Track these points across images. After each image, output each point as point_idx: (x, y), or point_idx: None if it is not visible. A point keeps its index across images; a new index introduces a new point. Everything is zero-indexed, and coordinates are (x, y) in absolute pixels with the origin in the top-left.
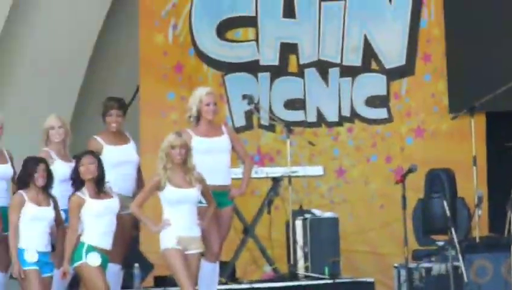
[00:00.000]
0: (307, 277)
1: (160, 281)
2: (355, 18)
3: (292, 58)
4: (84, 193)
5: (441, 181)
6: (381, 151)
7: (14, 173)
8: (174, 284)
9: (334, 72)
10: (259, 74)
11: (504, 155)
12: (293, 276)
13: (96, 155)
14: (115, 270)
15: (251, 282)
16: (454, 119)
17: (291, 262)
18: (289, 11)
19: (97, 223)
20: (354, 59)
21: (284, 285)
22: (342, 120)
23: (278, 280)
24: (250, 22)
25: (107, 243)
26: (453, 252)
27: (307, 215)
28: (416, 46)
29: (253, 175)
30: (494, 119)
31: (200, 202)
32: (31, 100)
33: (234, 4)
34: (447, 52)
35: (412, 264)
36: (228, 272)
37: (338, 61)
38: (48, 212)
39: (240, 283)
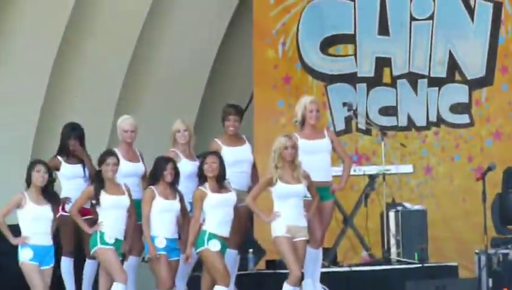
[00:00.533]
0: (399, 261)
1: (271, 264)
2: (442, 35)
3: (386, 70)
4: (206, 188)
5: None
6: (464, 152)
7: (145, 170)
8: (284, 267)
9: (422, 83)
10: (357, 85)
11: None
12: (387, 260)
13: (218, 155)
14: (232, 255)
15: (350, 265)
16: None
17: (385, 248)
18: (383, 29)
19: (217, 214)
20: (440, 71)
21: (379, 268)
22: (429, 125)
23: (373, 264)
24: (350, 39)
25: (225, 231)
26: None
27: (399, 208)
28: (495, 60)
29: (352, 173)
30: None
31: (305, 196)
32: (163, 103)
33: (335, 24)
34: None
35: (491, 251)
36: (330, 257)
37: (426, 73)
38: (175, 204)
39: (341, 266)
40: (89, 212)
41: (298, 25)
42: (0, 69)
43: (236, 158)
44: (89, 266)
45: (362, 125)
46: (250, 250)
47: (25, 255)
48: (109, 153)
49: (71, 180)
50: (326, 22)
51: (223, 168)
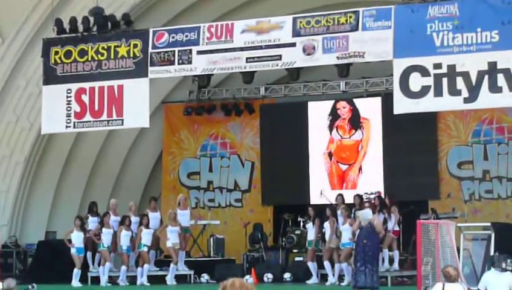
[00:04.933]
0: (214, 257)
1: (165, 257)
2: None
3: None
4: (143, 227)
5: (261, 228)
6: (241, 216)
7: (120, 220)
8: (170, 258)
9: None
10: (200, 190)
11: (280, 220)
12: (210, 256)
13: (148, 216)
14: (152, 253)
15: (196, 257)
16: (264, 206)
17: (209, 252)
18: (211, 169)
19: (146, 237)
20: None
21: (207, 259)
22: (226, 207)
23: (206, 257)
24: (197, 174)
25: (149, 242)
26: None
27: (214, 237)
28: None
29: (199, 223)
30: (278, 207)
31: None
32: (126, 192)
33: (193, 169)
34: (262, 180)
35: (248, 253)
36: (187, 255)
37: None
38: (130, 234)
39: (191, 257)
40: (98, 235)
41: (179, 167)
42: None
43: (154, 217)
44: (97, 256)
45: (201, 205)
46: (158, 251)
47: (73, 251)
48: (106, 213)
49: (92, 223)
50: (189, 167)
51: (148, 220)
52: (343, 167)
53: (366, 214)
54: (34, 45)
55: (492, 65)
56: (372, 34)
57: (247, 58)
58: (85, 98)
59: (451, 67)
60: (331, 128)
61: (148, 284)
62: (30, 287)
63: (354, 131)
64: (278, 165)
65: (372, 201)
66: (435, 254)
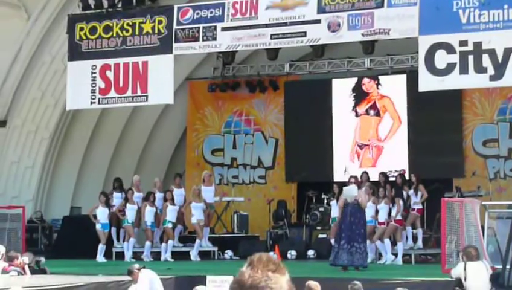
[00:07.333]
0: (238, 233)
1: (190, 233)
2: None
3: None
4: (168, 203)
5: (284, 205)
6: (264, 193)
7: (143, 196)
8: (195, 234)
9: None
10: (224, 167)
11: (304, 197)
12: (229, 233)
13: (172, 191)
14: (178, 228)
15: (220, 234)
16: (288, 183)
17: (232, 228)
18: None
19: (171, 213)
20: None
21: (231, 236)
22: (247, 184)
23: (230, 233)
24: (221, 151)
25: (174, 219)
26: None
27: (238, 214)
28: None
29: (223, 199)
30: (302, 184)
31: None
32: (150, 169)
33: (216, 145)
34: (285, 157)
35: (271, 230)
36: (211, 231)
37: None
38: (154, 209)
39: (215, 234)
40: (123, 211)
41: (203, 144)
42: None
43: (178, 193)
44: (122, 231)
45: (225, 181)
46: (182, 226)
47: (98, 226)
48: (129, 189)
49: (116, 199)
50: (213, 144)
51: (173, 197)
52: (367, 144)
53: (350, 191)
54: (59, 21)
55: None
56: (398, 11)
57: (271, 35)
58: (110, 75)
59: (477, 45)
60: (355, 105)
61: (172, 260)
62: (35, 261)
63: (378, 108)
64: (301, 142)
65: (359, 179)
66: (459, 232)
